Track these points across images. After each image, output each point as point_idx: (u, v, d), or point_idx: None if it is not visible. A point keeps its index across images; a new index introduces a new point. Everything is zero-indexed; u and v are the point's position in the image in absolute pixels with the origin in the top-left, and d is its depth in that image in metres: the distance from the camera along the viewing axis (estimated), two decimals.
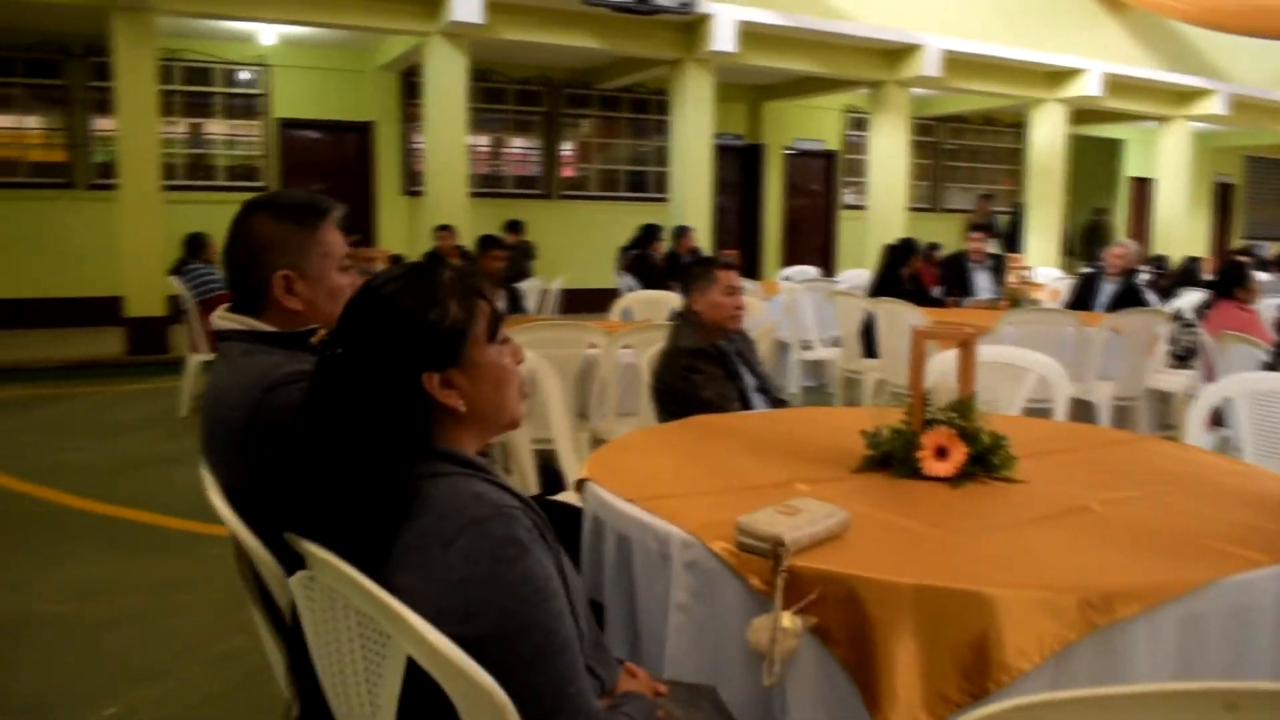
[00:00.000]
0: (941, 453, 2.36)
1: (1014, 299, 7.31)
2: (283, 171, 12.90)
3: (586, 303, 13.10)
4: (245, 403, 1.72)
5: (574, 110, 14.75)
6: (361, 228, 13.26)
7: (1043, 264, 13.73)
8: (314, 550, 1.40)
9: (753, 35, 11.84)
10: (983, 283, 7.99)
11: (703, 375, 3.45)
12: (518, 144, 14.64)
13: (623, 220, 13.71)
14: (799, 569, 1.77)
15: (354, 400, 1.40)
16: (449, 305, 1.46)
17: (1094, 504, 2.15)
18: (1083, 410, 5.96)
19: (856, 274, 10.68)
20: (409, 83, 13.21)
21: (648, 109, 15.10)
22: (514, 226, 11.41)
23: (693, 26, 11.68)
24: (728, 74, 13.83)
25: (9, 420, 7.19)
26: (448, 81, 10.63)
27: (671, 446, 2.67)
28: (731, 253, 10.49)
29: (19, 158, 11.69)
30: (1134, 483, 2.36)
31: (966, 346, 2.45)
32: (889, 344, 6.56)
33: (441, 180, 10.78)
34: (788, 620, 1.73)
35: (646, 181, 15.27)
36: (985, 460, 2.37)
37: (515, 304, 6.82)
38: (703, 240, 11.68)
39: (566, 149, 14.93)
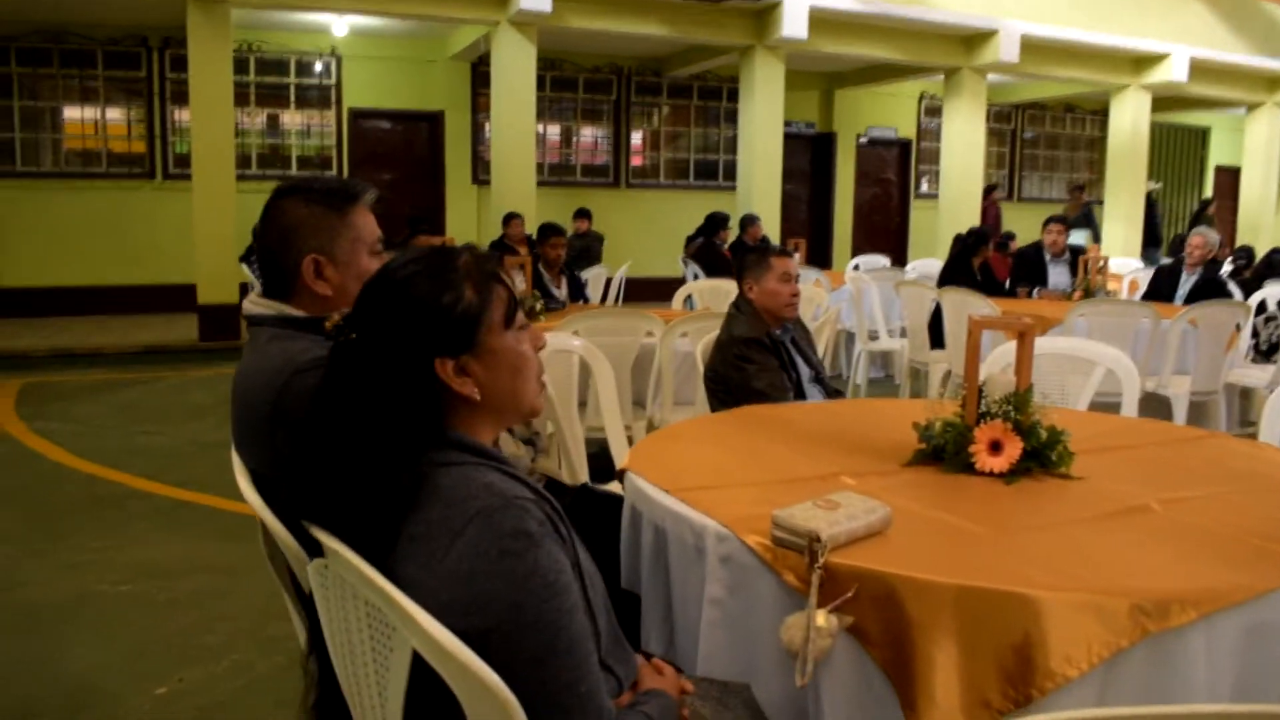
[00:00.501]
0: (995, 447, 2.28)
1: (1088, 291, 7.08)
2: (353, 161, 13.06)
3: (652, 291, 13.08)
4: (271, 387, 1.71)
5: (643, 99, 14.70)
6: (431, 217, 13.37)
7: (1123, 254, 13.34)
8: (325, 538, 1.38)
9: (824, 21, 11.67)
10: (1058, 276, 7.76)
11: (755, 365, 3.40)
12: (587, 133, 14.63)
13: (691, 209, 13.63)
14: (836, 566, 1.71)
15: (366, 386, 1.37)
16: (464, 290, 1.43)
17: (1154, 503, 2.05)
18: (1158, 405, 5.76)
19: (927, 264, 10.47)
20: (479, 72, 13.28)
21: (718, 97, 14.99)
22: (582, 214, 11.40)
23: (763, 13, 11.54)
24: (799, 61, 13.66)
25: (88, 405, 7.38)
26: (516, 70, 10.65)
27: (717, 437, 2.63)
28: (797, 241, 10.33)
29: (100, 148, 12.00)
30: (1199, 482, 2.24)
31: (1024, 338, 2.36)
32: (956, 335, 6.40)
33: (509, 169, 10.82)
34: (822, 619, 1.67)
35: (715, 170, 15.16)
36: (1041, 456, 2.28)
37: (576, 291, 6.79)
38: (770, 229, 11.55)
39: (636, 137, 14.88)
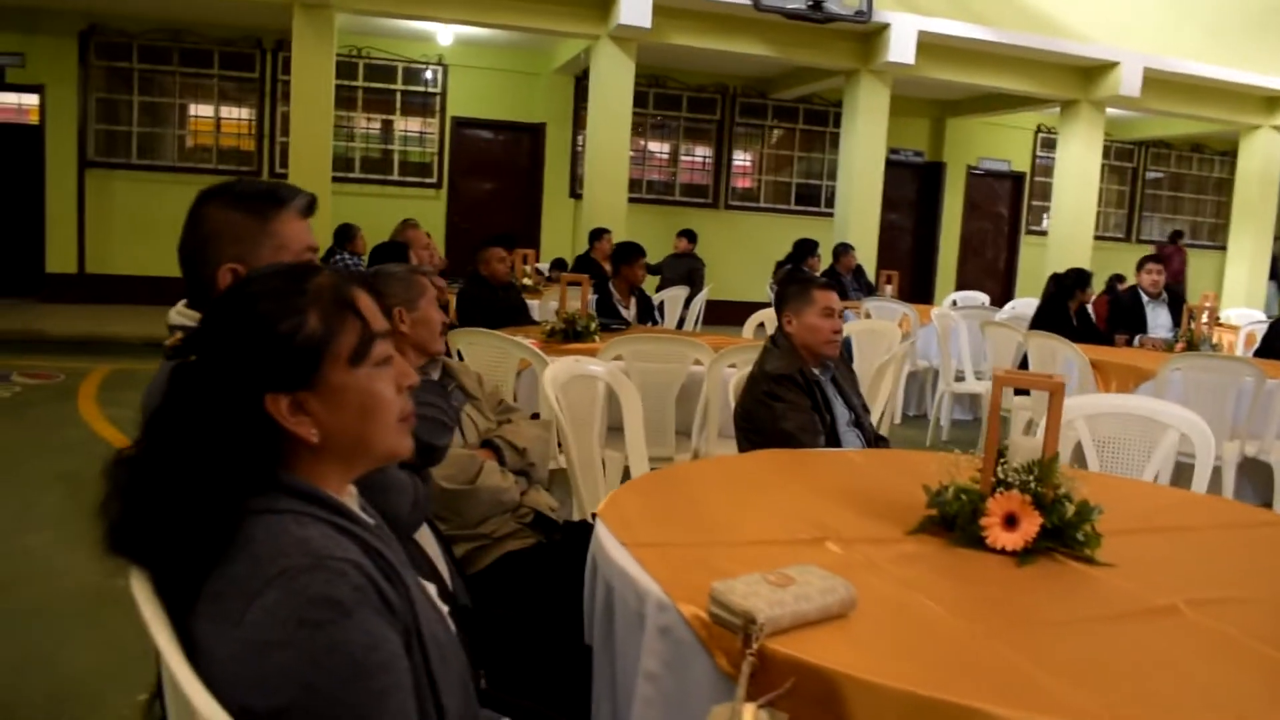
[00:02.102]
0: (1011, 521, 2.03)
1: (1191, 342, 6.62)
2: (454, 169, 13.19)
3: (737, 316, 12.82)
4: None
5: (748, 119, 14.55)
6: (528, 229, 13.41)
7: (1245, 305, 12.60)
8: (135, 577, 1.22)
9: (933, 46, 11.31)
10: (1158, 320, 7.29)
11: (785, 404, 3.20)
12: (689, 151, 14.52)
13: (789, 234, 13.32)
14: (773, 653, 1.49)
15: (193, 416, 1.21)
16: (308, 317, 1.26)
17: (1182, 604, 1.77)
18: (1259, 473, 5.30)
19: (1027, 304, 10.02)
20: (581, 86, 13.29)
21: (823, 121, 14.73)
22: (685, 235, 11.15)
23: (870, 36, 11.25)
24: (909, 88, 13.31)
25: None
26: (613, 84, 10.60)
27: (715, 483, 2.47)
28: (890, 274, 10.01)
29: (212, 145, 12.35)
30: (1246, 580, 1.95)
31: (1054, 396, 2.09)
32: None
33: (601, 183, 10.77)
34: (749, 714, 1.44)
35: (817, 196, 14.92)
36: (1063, 534, 2.03)
37: (645, 313, 6.62)
38: (866, 259, 11.25)
39: (738, 158, 14.72)
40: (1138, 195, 16.94)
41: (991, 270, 16.16)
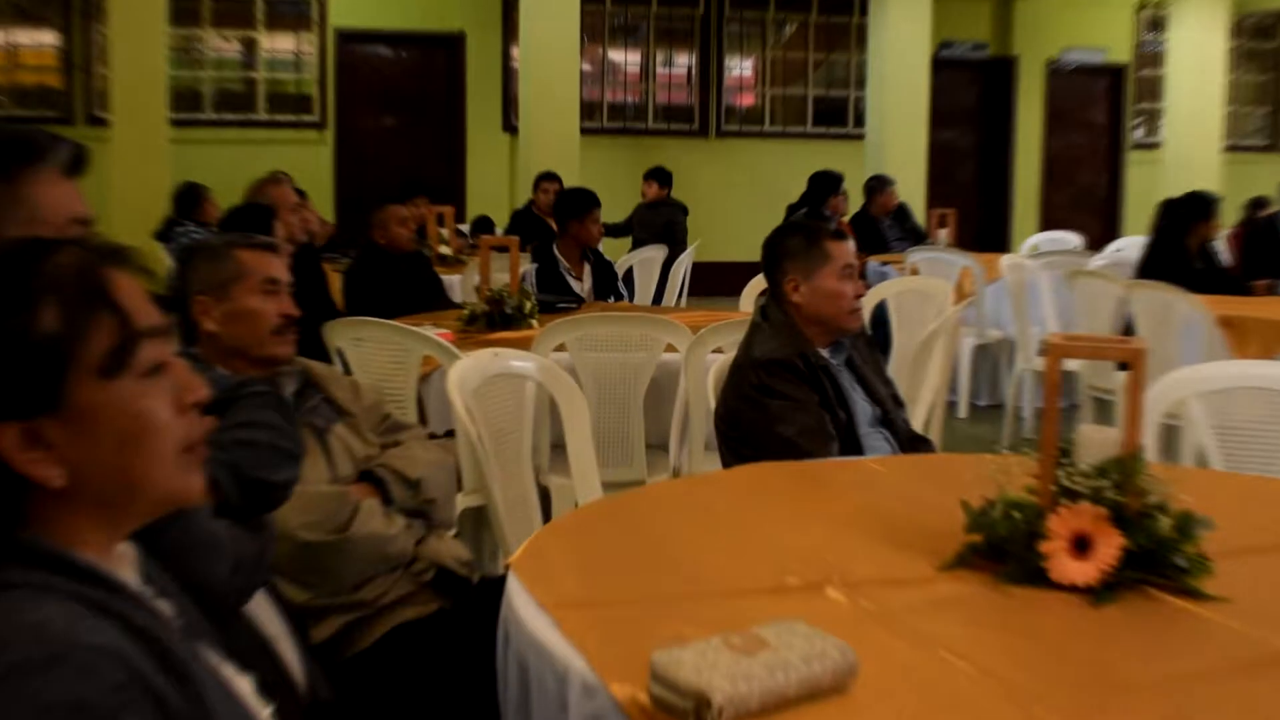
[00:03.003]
0: (1081, 545, 2.03)
1: None
2: (342, 100, 13.22)
3: (732, 281, 12.86)
4: None
5: (744, 11, 14.59)
6: (448, 177, 13.42)
7: None
8: None
9: None
10: None
11: (782, 401, 3.19)
12: (666, 61, 14.55)
13: (806, 166, 13.34)
14: None
15: None
16: (40, 312, 1.24)
17: None
18: None
19: (1136, 243, 10.03)
20: None
21: (848, 8, 14.78)
22: (655, 177, 11.07)
23: None
24: None
25: None
26: None
27: (675, 512, 2.50)
28: (945, 213, 10.01)
29: (5, 82, 12.27)
30: None
31: (1134, 367, 2.09)
32: (1154, 347, 6.03)
33: (544, 111, 10.81)
34: None
35: (842, 112, 14.97)
36: (1156, 559, 2.03)
37: (605, 284, 6.60)
38: (912, 195, 11.26)
39: (734, 67, 14.73)
40: None
41: (1086, 200, 16.19)
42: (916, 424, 4.70)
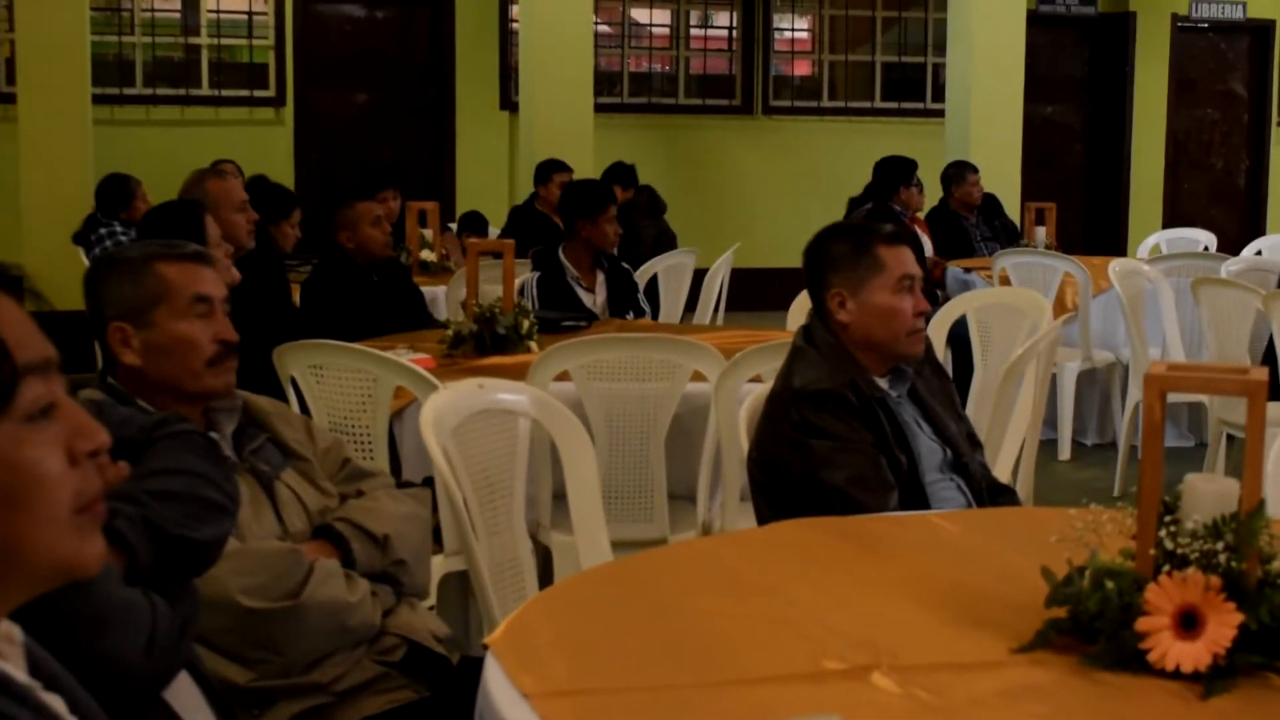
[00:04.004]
0: (1189, 623, 2.06)
1: None
2: (305, 71, 13.26)
3: (781, 293, 12.86)
4: None
5: None
6: (434, 167, 13.49)
7: None
8: None
9: None
10: None
11: (830, 442, 3.23)
12: (703, 21, 14.60)
13: (875, 150, 13.37)
14: None
15: None
16: None
17: None
18: None
19: None
20: None
21: None
22: (620, 174, 10.82)
23: None
24: None
25: None
26: None
27: (695, 578, 2.54)
28: (1044, 206, 9.97)
29: None
30: None
31: (1254, 403, 2.11)
32: None
33: (551, 84, 10.87)
34: None
35: (919, 85, 15.03)
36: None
37: (622, 297, 6.62)
38: (1003, 186, 11.23)
39: (786, 28, 14.77)
40: None
41: (1223, 190, 16.20)
42: (1000, 469, 4.72)
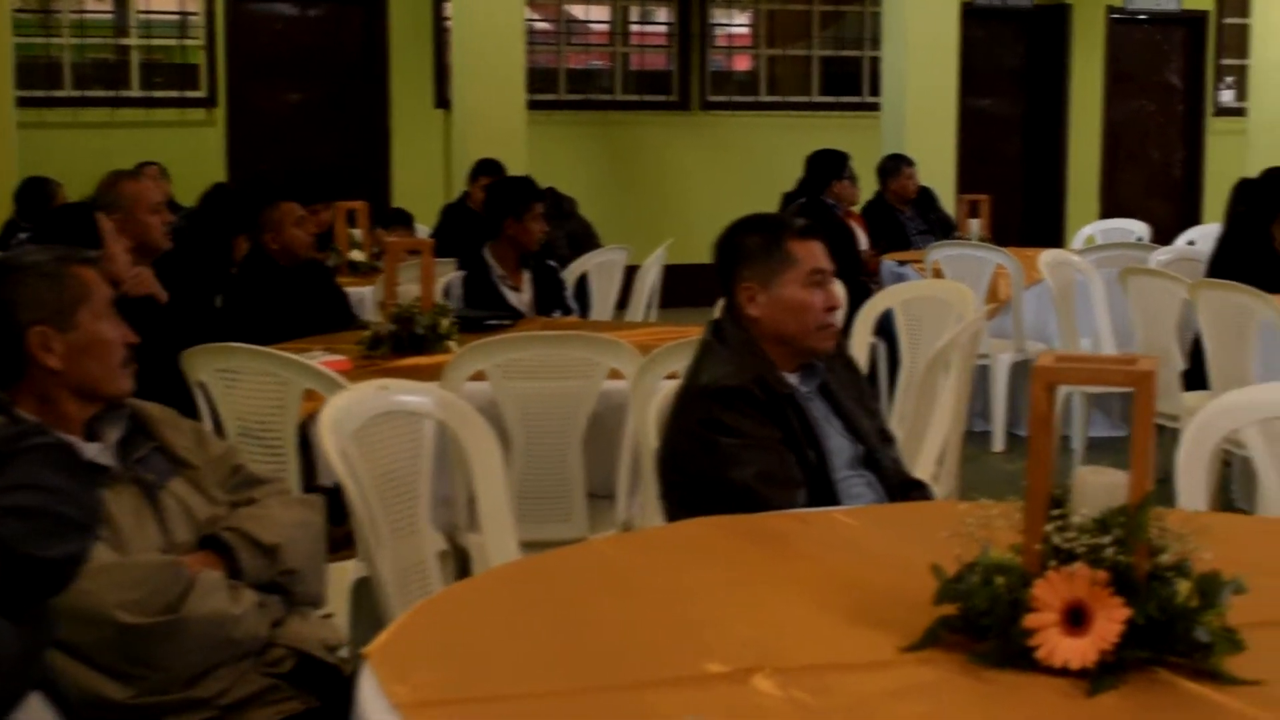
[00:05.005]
0: (1076, 618, 2.03)
1: None
2: (236, 70, 13.18)
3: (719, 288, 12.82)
4: None
5: None
6: (370, 164, 13.44)
7: None
8: None
9: None
10: None
11: (737, 439, 3.21)
12: (644, 16, 14.60)
13: (809, 145, 13.36)
14: None
15: None
16: None
17: None
18: None
19: (1211, 233, 10.06)
20: None
21: None
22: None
23: None
24: None
25: None
26: None
27: (590, 579, 2.53)
28: (977, 199, 9.98)
29: None
30: None
31: (1140, 394, 2.08)
32: (1224, 368, 6.05)
33: (483, 81, 10.90)
34: None
35: (856, 79, 15.07)
36: (1169, 634, 2.03)
37: (549, 295, 6.58)
38: (939, 179, 11.26)
39: (725, 23, 14.79)
40: None
41: (1161, 181, 16.32)
42: (926, 462, 4.73)
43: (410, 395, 3.47)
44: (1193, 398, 6.39)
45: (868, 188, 10.38)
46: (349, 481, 3.03)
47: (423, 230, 9.89)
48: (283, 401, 4.26)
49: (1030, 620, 2.01)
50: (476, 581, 2.54)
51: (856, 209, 10.09)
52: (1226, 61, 16.34)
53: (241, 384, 4.37)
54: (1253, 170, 12.15)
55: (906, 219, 9.99)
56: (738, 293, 3.42)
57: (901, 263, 8.89)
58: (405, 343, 5.08)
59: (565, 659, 2.12)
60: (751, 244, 3.45)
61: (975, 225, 9.82)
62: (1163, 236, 11.48)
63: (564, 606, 2.37)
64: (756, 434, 3.22)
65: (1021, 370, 8.14)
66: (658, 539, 2.83)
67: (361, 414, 3.26)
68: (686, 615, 2.31)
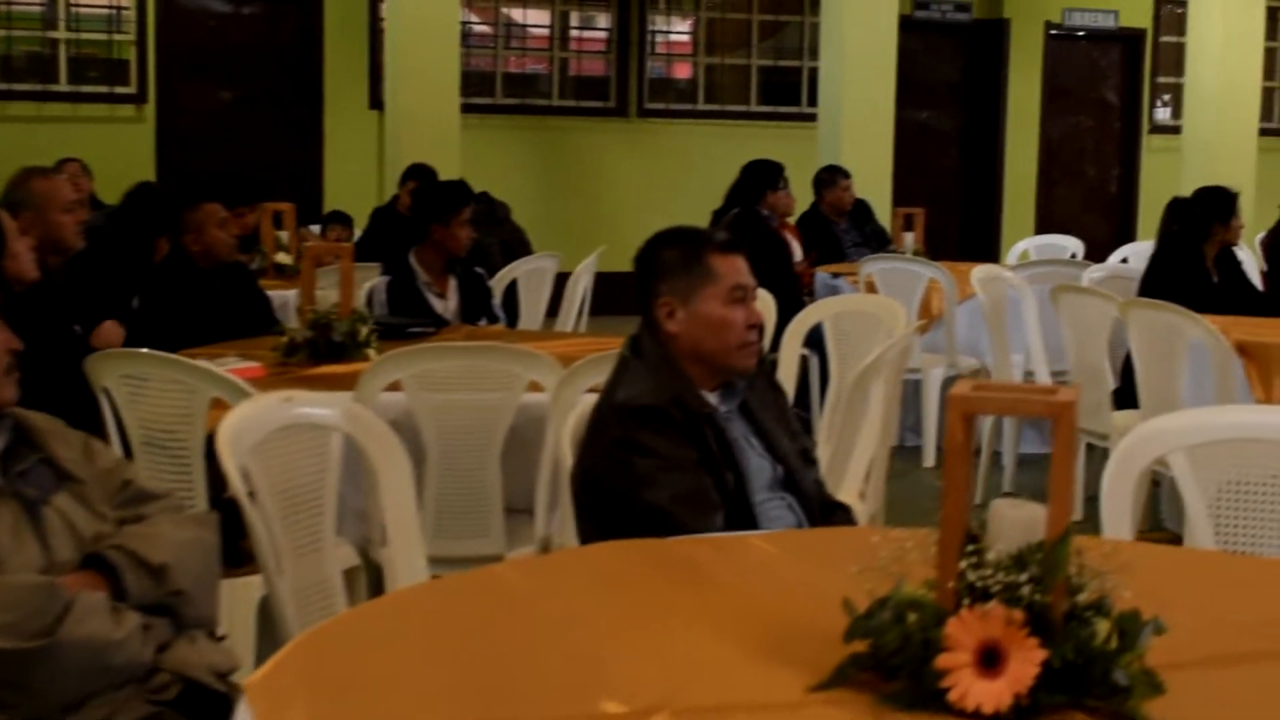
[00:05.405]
0: (990, 660, 1.96)
1: None
2: (167, 67, 13.06)
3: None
4: None
5: None
6: (302, 165, 13.35)
7: None
8: None
9: None
10: None
11: (652, 459, 3.16)
12: (585, 22, 14.64)
13: (747, 154, 13.38)
14: None
15: None
16: None
17: None
18: None
19: (1145, 250, 10.11)
20: None
21: None
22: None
23: None
24: None
25: None
26: None
27: (493, 608, 2.44)
28: (911, 212, 9.99)
29: None
30: None
31: (1059, 425, 2.03)
32: (1154, 386, 6.05)
33: (417, 84, 10.89)
34: None
35: (795, 89, 15.09)
36: (1086, 677, 1.97)
37: (475, 303, 6.49)
38: (876, 189, 11.27)
39: (665, 31, 14.79)
40: None
41: (1096, 197, 16.45)
42: (853, 478, 4.69)
43: (315, 408, 3.39)
44: (1123, 417, 6.39)
45: (804, 199, 10.36)
46: (244, 498, 2.94)
47: (358, 233, 9.85)
48: (189, 410, 4.17)
49: (943, 661, 1.95)
50: (367, 609, 2.46)
51: (792, 220, 10.07)
52: (1163, 79, 16.53)
53: (148, 391, 4.28)
54: (1187, 188, 12.24)
55: (842, 231, 9.99)
56: (656, 308, 3.36)
57: (836, 275, 8.89)
58: (322, 350, 5.01)
59: (454, 696, 2.05)
60: (671, 258, 3.39)
61: (910, 239, 9.84)
62: (1098, 252, 11.56)
63: (458, 638, 2.29)
64: (673, 455, 3.16)
65: (953, 385, 8.13)
66: (564, 564, 2.79)
67: (263, 427, 3.17)
68: (589, 649, 2.24)
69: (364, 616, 2.40)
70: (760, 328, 3.42)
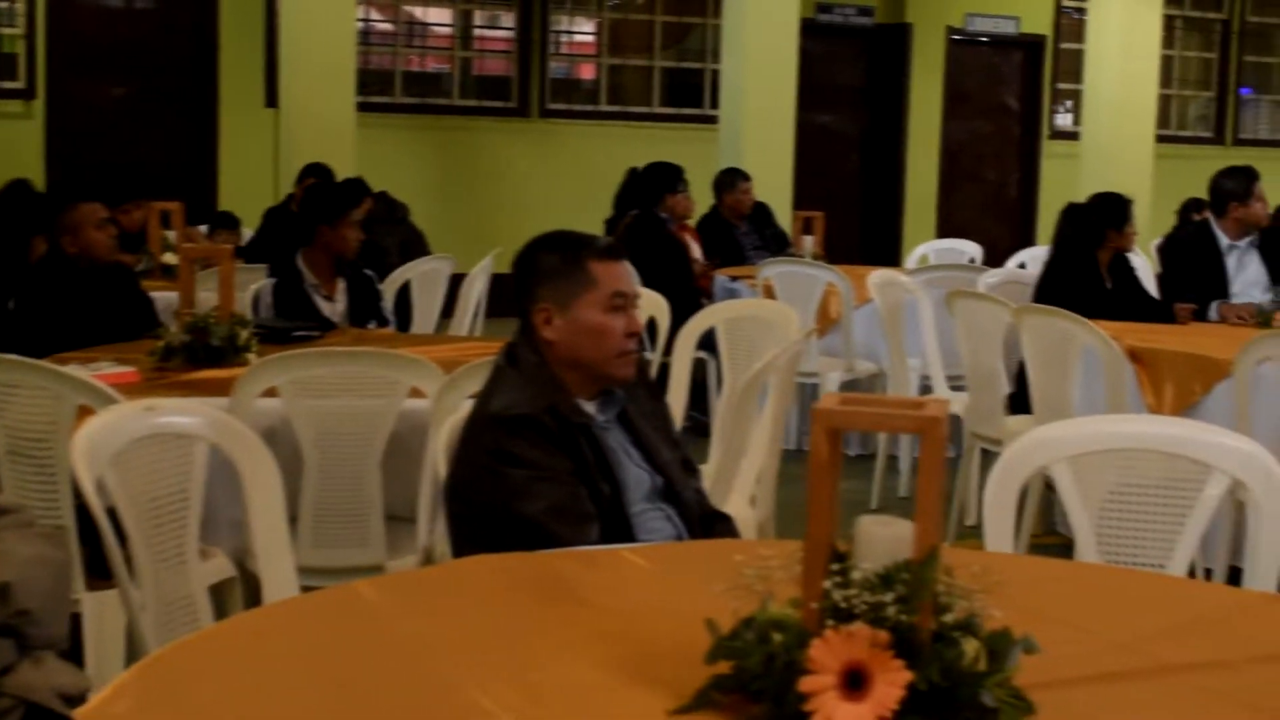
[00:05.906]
0: (855, 682, 1.92)
1: None
2: (57, 66, 12.87)
3: None
4: None
5: None
6: (197, 162, 13.21)
7: None
8: None
9: None
10: (1250, 273, 7.43)
11: (526, 470, 3.11)
12: (490, 20, 14.56)
13: (649, 156, 13.37)
14: None
15: None
16: None
17: None
18: None
19: (1041, 255, 10.18)
20: None
21: None
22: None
23: None
24: None
25: None
26: None
27: (344, 628, 2.38)
28: (811, 216, 10.00)
29: None
30: None
31: (927, 440, 1.97)
32: (1047, 392, 6.06)
33: (312, 81, 10.79)
34: None
35: (698, 91, 15.11)
36: (953, 699, 1.93)
37: (363, 306, 6.40)
38: (775, 195, 11.26)
39: (568, 31, 14.76)
40: (1231, 66, 17.47)
41: (996, 201, 16.59)
42: (743, 484, 4.67)
43: (178, 416, 3.30)
44: (1017, 422, 6.40)
45: (707, 201, 10.36)
46: (98, 511, 2.85)
47: (249, 234, 9.73)
48: (55, 418, 4.04)
49: (806, 684, 1.90)
50: (215, 630, 2.38)
51: (692, 222, 10.05)
52: (1062, 86, 16.71)
53: (16, 398, 4.15)
54: (1086, 193, 12.33)
55: (741, 234, 9.97)
56: (533, 314, 3.32)
57: (734, 278, 8.86)
58: (200, 354, 4.91)
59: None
60: (549, 263, 3.35)
61: (808, 242, 9.85)
62: (997, 257, 11.66)
63: (311, 661, 2.22)
64: (547, 466, 3.12)
65: (851, 389, 8.12)
66: (427, 581, 2.74)
67: (122, 437, 3.07)
68: (447, 672, 2.18)
69: (209, 639, 2.32)
70: (640, 336, 3.38)
